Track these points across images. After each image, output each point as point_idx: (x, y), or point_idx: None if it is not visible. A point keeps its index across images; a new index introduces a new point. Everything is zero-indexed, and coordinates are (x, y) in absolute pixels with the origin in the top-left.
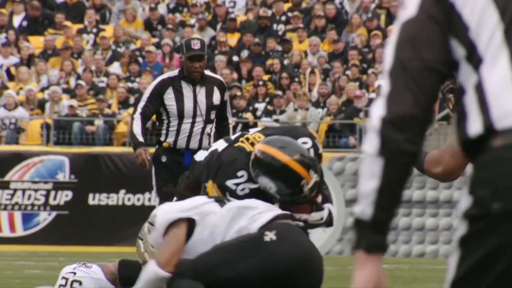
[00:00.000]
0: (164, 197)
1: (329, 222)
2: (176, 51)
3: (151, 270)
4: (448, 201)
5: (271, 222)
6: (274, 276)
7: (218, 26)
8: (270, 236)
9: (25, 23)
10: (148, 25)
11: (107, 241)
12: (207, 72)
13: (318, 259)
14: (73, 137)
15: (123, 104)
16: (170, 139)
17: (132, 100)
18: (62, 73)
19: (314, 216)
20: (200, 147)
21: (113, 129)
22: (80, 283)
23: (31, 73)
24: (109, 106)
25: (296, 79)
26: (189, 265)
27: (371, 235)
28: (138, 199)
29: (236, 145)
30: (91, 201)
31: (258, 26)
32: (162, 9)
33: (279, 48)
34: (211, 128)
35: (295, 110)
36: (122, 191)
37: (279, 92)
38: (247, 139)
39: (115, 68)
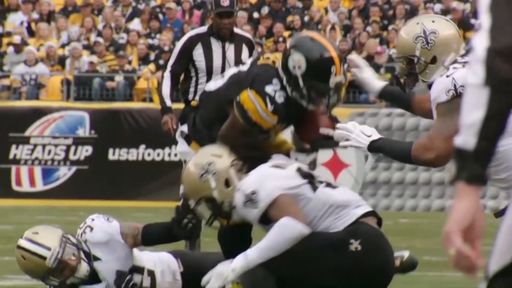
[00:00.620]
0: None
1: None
2: (196, 7)
3: (294, 226)
4: None
5: (357, 224)
6: (353, 285)
7: None
8: (355, 245)
9: None
10: None
11: (126, 196)
12: (236, 30)
13: (393, 264)
14: (93, 92)
15: (143, 60)
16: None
17: (152, 56)
18: (82, 30)
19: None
20: None
21: (133, 85)
22: (91, 229)
23: (52, 30)
24: (129, 63)
25: None
26: (274, 261)
27: (473, 165)
28: (158, 154)
29: (258, 63)
30: (111, 156)
31: None
32: None
33: (300, 4)
34: None
35: None
36: (142, 146)
37: None
38: (266, 59)
39: (135, 24)
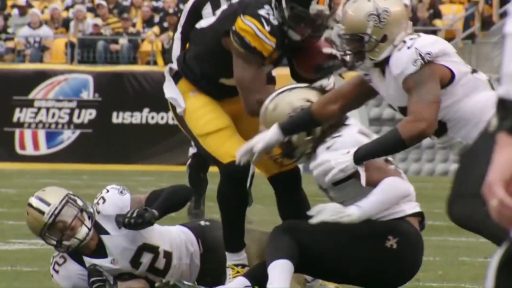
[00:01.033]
0: None
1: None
2: None
3: (402, 184)
4: None
5: (401, 221)
6: (378, 280)
7: None
8: (392, 242)
9: None
10: None
11: (130, 159)
12: None
13: (419, 267)
14: (97, 55)
15: (148, 23)
16: None
17: (156, 19)
18: None
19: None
20: None
21: (137, 48)
22: (104, 201)
23: None
24: (134, 25)
25: None
26: (309, 233)
27: None
28: (162, 118)
29: None
30: (115, 120)
31: None
32: None
33: None
34: None
35: None
36: (146, 110)
37: None
38: None
39: None
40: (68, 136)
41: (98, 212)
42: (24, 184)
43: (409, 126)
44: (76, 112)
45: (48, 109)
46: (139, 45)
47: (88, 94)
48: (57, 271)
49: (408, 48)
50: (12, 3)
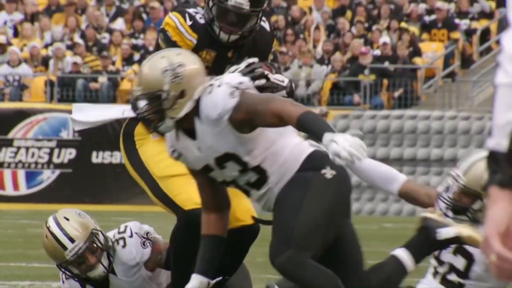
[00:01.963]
0: None
1: (290, 93)
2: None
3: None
4: (452, 160)
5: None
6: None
7: None
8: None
9: None
10: None
11: (111, 200)
12: None
13: None
14: (76, 94)
15: (127, 61)
16: None
17: (136, 56)
18: (66, 30)
19: (276, 76)
20: None
21: (117, 86)
22: (124, 246)
23: (35, 30)
24: (113, 63)
25: (301, 36)
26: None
27: (506, 168)
28: None
29: None
30: (94, 159)
31: None
32: None
33: (284, 4)
34: None
35: (299, 67)
36: None
37: (284, 49)
38: None
39: (119, 24)
40: (48, 176)
41: (114, 251)
42: (3, 224)
43: (284, 118)
44: (56, 151)
45: (27, 148)
46: (119, 83)
47: (67, 134)
48: (63, 281)
49: (219, 86)
50: None
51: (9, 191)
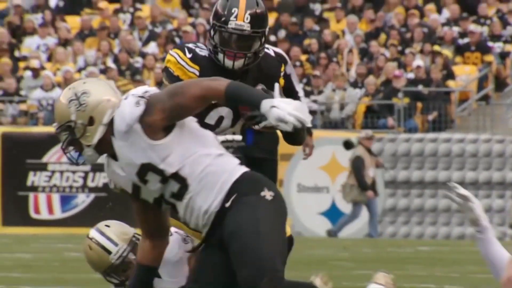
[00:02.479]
0: None
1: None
2: None
3: None
4: (487, 183)
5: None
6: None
7: None
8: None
9: (61, 3)
10: (186, 4)
11: None
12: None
13: None
14: None
15: (160, 85)
16: None
17: None
18: (99, 54)
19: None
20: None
21: None
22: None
23: (68, 54)
24: None
25: (334, 59)
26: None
27: None
28: None
29: None
30: None
31: (295, 5)
32: None
33: (316, 27)
34: None
35: (333, 90)
36: None
37: (317, 72)
38: None
39: (152, 48)
40: (83, 200)
41: None
42: (39, 248)
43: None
44: (91, 175)
45: (62, 172)
46: None
47: (102, 158)
48: None
49: (125, 98)
50: (25, 65)
51: (44, 215)
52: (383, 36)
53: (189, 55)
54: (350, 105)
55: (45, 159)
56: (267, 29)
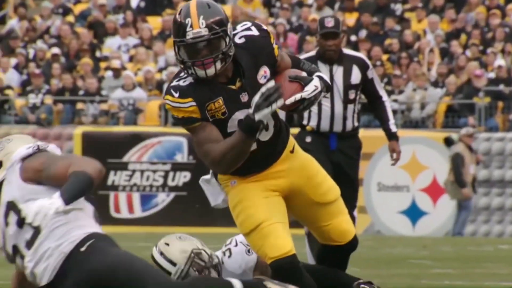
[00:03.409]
0: None
1: (326, 87)
2: (294, 31)
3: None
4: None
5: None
6: None
7: (336, 6)
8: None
9: (142, 4)
10: (267, 2)
11: (226, 222)
12: (347, 51)
13: None
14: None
15: None
16: (313, 123)
17: None
18: None
19: (308, 90)
20: (344, 130)
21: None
22: (230, 255)
23: (149, 54)
24: None
25: (415, 59)
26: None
27: None
28: None
29: None
30: None
31: (376, 5)
32: None
33: (398, 27)
34: (353, 109)
35: (414, 90)
36: None
37: (398, 72)
38: None
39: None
40: (163, 199)
41: (222, 263)
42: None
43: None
44: (171, 174)
45: (142, 172)
46: None
47: (182, 157)
48: None
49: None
50: (106, 65)
51: (124, 214)
52: (464, 36)
53: (176, 94)
54: (430, 105)
55: (125, 158)
56: (228, 26)
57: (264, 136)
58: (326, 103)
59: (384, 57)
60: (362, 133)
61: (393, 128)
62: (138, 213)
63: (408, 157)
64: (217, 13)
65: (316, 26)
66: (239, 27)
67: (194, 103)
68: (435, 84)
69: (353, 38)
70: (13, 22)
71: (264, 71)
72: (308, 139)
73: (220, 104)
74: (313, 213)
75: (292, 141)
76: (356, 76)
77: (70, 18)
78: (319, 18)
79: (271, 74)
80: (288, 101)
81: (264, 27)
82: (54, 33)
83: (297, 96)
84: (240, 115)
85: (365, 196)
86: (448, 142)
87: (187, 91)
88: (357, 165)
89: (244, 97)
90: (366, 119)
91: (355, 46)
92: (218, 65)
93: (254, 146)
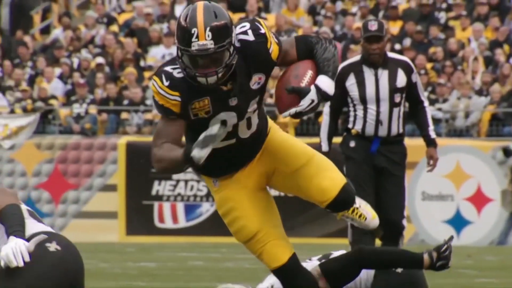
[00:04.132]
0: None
1: (324, 97)
2: (338, 39)
3: None
4: None
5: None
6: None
7: (380, 14)
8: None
9: None
10: (312, 10)
11: None
12: (391, 54)
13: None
14: None
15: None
16: (358, 126)
17: None
18: None
19: (304, 104)
20: (389, 133)
21: (274, 119)
22: None
23: None
24: (270, 96)
25: (459, 67)
26: None
27: None
28: None
29: None
30: None
31: (420, 13)
32: None
33: (442, 35)
34: (399, 113)
35: (458, 98)
36: None
37: (442, 81)
38: None
39: None
40: (207, 209)
41: None
42: (164, 257)
43: None
44: None
45: (186, 181)
46: (276, 116)
47: None
48: None
49: None
50: (150, 75)
51: (168, 224)
52: (508, 44)
53: (166, 83)
54: (475, 113)
55: None
56: (232, 37)
57: (245, 133)
58: (372, 107)
59: (428, 65)
60: (406, 141)
61: (432, 134)
62: (183, 223)
63: (453, 166)
64: (223, 22)
65: (360, 34)
66: (238, 28)
67: (179, 99)
68: (479, 92)
69: (397, 46)
70: (57, 32)
71: (258, 78)
72: (352, 143)
73: (206, 103)
74: (294, 182)
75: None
76: (401, 79)
77: (114, 28)
78: (362, 23)
79: (267, 77)
80: (283, 115)
81: (262, 30)
82: (98, 43)
83: (292, 111)
84: (225, 115)
85: (409, 205)
86: (506, 152)
87: (178, 84)
88: (402, 172)
89: (233, 101)
90: (410, 128)
91: (399, 54)
92: (220, 74)
93: (233, 141)
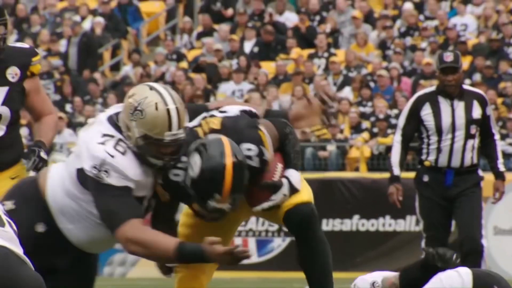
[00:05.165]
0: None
1: (294, 191)
2: (407, 75)
3: None
4: None
5: None
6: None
7: (450, 49)
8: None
9: (255, 49)
10: (382, 45)
11: (340, 267)
12: (466, 86)
13: None
14: (305, 162)
15: (355, 129)
16: (431, 157)
17: (364, 125)
18: (293, 99)
19: (276, 199)
20: (462, 165)
21: (345, 154)
22: None
23: (263, 99)
24: (341, 131)
25: None
26: None
27: None
28: (372, 225)
29: (195, 127)
30: (324, 227)
31: (489, 48)
32: (393, 33)
33: (511, 70)
34: (473, 144)
35: None
36: (356, 216)
37: None
38: (206, 122)
39: (346, 92)
40: (279, 244)
41: None
42: None
43: None
44: None
45: (258, 217)
46: (347, 151)
47: None
48: None
49: None
50: None
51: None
52: None
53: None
54: None
55: None
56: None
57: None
58: (446, 137)
59: (499, 100)
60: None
61: (501, 167)
62: (254, 258)
63: None
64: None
65: (430, 70)
66: (244, 149)
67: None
68: None
69: (467, 81)
70: (127, 68)
71: None
72: (426, 178)
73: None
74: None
75: None
76: (477, 111)
77: (184, 64)
78: (438, 54)
79: None
80: (255, 210)
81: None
82: (168, 79)
83: (264, 206)
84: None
85: None
86: None
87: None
88: (479, 192)
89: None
90: (482, 163)
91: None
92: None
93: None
